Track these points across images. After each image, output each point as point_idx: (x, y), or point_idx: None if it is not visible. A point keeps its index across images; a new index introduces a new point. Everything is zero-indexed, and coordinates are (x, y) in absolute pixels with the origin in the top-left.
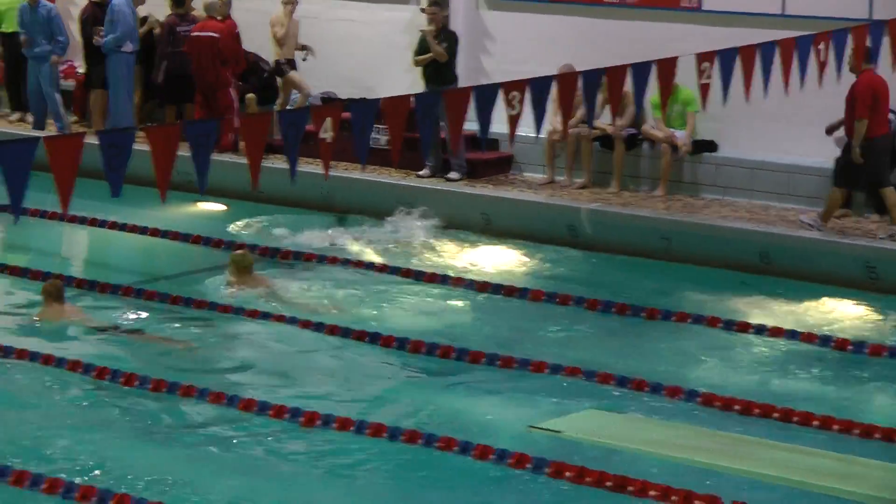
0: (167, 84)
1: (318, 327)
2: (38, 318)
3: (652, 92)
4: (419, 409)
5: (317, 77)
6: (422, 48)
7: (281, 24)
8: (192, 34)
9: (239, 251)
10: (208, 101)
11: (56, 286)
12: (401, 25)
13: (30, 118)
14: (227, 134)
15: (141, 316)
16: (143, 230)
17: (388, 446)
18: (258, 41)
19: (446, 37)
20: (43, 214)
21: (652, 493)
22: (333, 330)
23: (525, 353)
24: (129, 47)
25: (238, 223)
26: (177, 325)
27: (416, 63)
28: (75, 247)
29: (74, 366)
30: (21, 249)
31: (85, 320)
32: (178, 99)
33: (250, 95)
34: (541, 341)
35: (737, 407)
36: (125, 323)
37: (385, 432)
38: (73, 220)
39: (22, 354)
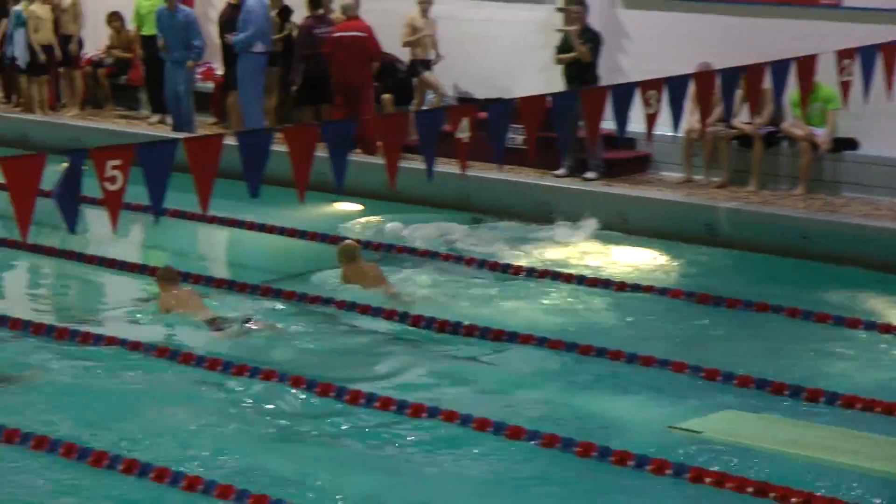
0: (305, 85)
1: (456, 328)
2: (159, 307)
3: (791, 89)
4: (557, 409)
5: (452, 77)
6: (564, 47)
7: (416, 23)
8: (334, 34)
9: (348, 241)
10: (351, 101)
11: (169, 271)
12: (536, 25)
13: (170, 120)
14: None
15: (273, 312)
16: (280, 230)
17: (525, 449)
18: (391, 42)
19: (590, 37)
20: (182, 215)
21: (794, 500)
22: (471, 330)
23: (663, 353)
24: (259, 48)
25: (374, 223)
26: (303, 320)
27: (559, 61)
28: (214, 247)
29: (213, 364)
30: (161, 249)
31: (198, 307)
32: (316, 100)
33: (387, 96)
34: (679, 341)
35: (878, 409)
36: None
37: (523, 435)
38: (212, 220)
39: (163, 352)
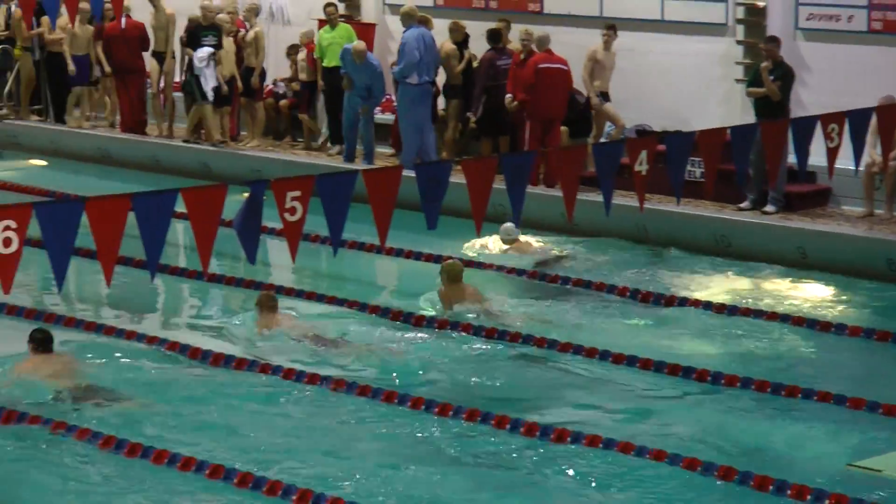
0: (485, 117)
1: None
2: (258, 329)
3: None
4: (734, 443)
5: (631, 109)
6: (755, 81)
7: (598, 56)
8: (539, 66)
9: (450, 260)
10: (545, 133)
11: (269, 296)
12: (717, 57)
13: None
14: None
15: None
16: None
17: (700, 480)
18: (573, 75)
19: (782, 73)
20: (360, 246)
21: None
22: (646, 364)
23: (841, 389)
24: (414, 79)
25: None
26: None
27: (749, 94)
28: (390, 277)
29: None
30: (339, 279)
31: (295, 327)
32: (496, 132)
33: (563, 128)
34: (857, 378)
35: None
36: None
37: (699, 467)
38: (390, 251)
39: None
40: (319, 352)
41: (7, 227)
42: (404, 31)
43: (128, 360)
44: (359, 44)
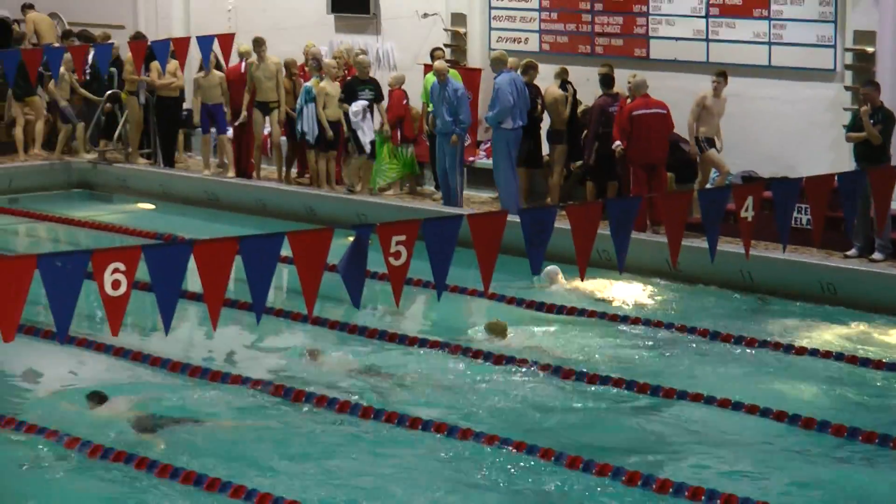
0: (595, 163)
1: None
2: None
3: None
4: (837, 493)
5: (737, 155)
6: (855, 125)
7: (707, 102)
8: (634, 113)
9: (494, 321)
10: (650, 178)
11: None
12: (825, 103)
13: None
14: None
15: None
16: (560, 309)
17: None
18: (679, 120)
19: (882, 117)
20: (463, 290)
21: None
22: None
23: None
24: (509, 124)
25: (654, 301)
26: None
27: (849, 139)
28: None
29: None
30: (441, 324)
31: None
32: (605, 178)
33: (669, 174)
34: None
35: None
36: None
37: None
38: (493, 297)
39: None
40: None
41: (116, 270)
42: (496, 77)
43: (225, 402)
44: (439, 63)
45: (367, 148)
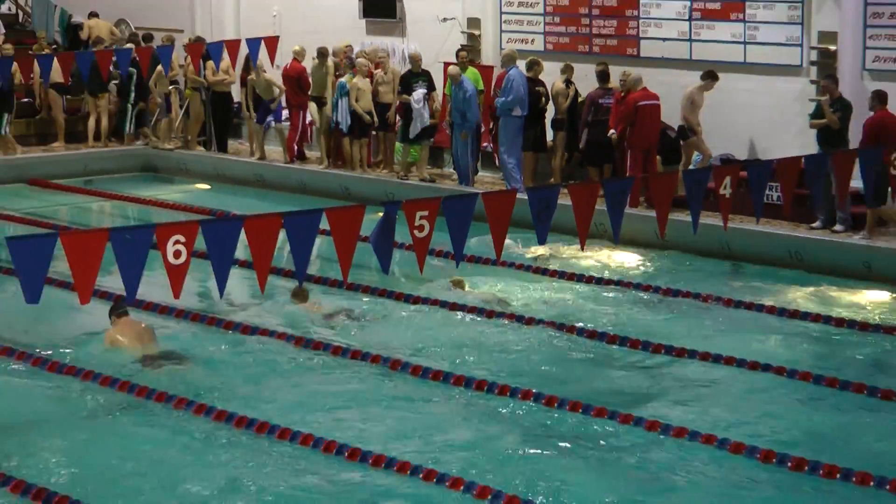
0: (588, 149)
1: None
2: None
3: None
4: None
5: (717, 140)
6: (817, 114)
7: (695, 98)
8: (640, 103)
9: (455, 278)
10: (646, 161)
11: (301, 290)
12: (793, 95)
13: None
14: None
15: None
16: (561, 274)
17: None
18: (666, 110)
19: (840, 106)
20: (478, 260)
21: None
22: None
23: None
24: (517, 111)
25: (645, 269)
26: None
27: (812, 126)
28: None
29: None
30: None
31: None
32: (597, 162)
33: (657, 157)
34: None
35: None
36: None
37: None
38: (503, 264)
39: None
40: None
41: (177, 242)
42: (507, 71)
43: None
44: (453, 68)
45: (413, 135)
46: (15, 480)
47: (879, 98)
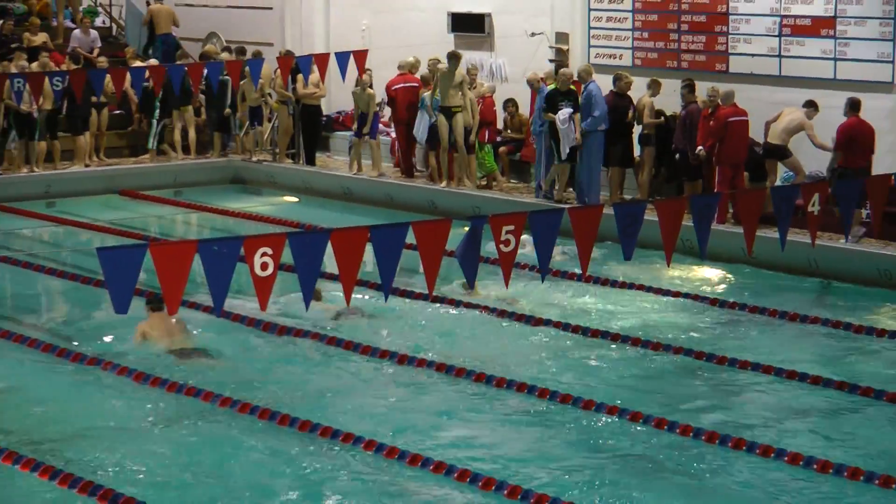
0: (679, 164)
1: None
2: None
3: None
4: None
5: (806, 157)
6: None
7: (804, 124)
8: (730, 119)
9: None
10: (734, 177)
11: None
12: (884, 112)
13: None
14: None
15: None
16: (648, 289)
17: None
18: (754, 126)
19: None
20: (564, 274)
21: None
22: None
23: None
24: (602, 126)
25: (731, 285)
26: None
27: None
28: (587, 301)
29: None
30: (543, 304)
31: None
32: (690, 177)
33: (745, 173)
34: None
35: None
36: None
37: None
38: (588, 279)
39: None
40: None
41: (265, 254)
42: (587, 85)
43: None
44: (532, 74)
45: (565, 155)
46: (83, 481)
47: (852, 105)
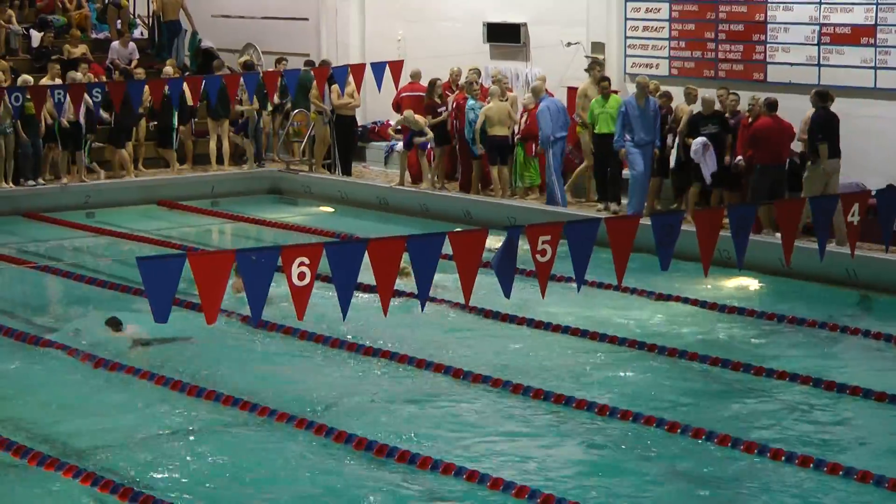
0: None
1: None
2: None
3: None
4: None
5: (846, 167)
6: None
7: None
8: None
9: None
10: (771, 187)
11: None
12: None
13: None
14: None
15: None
16: (685, 300)
17: None
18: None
19: None
20: (600, 285)
21: None
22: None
23: None
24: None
25: (769, 296)
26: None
27: None
28: (625, 313)
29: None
30: (580, 316)
31: None
32: (729, 186)
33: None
34: None
35: None
36: None
37: None
38: (626, 290)
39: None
40: None
41: (302, 263)
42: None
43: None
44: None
45: (709, 179)
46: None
47: (768, 105)
